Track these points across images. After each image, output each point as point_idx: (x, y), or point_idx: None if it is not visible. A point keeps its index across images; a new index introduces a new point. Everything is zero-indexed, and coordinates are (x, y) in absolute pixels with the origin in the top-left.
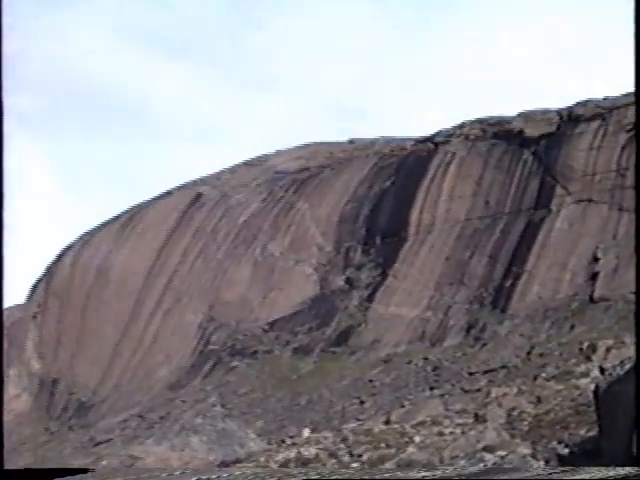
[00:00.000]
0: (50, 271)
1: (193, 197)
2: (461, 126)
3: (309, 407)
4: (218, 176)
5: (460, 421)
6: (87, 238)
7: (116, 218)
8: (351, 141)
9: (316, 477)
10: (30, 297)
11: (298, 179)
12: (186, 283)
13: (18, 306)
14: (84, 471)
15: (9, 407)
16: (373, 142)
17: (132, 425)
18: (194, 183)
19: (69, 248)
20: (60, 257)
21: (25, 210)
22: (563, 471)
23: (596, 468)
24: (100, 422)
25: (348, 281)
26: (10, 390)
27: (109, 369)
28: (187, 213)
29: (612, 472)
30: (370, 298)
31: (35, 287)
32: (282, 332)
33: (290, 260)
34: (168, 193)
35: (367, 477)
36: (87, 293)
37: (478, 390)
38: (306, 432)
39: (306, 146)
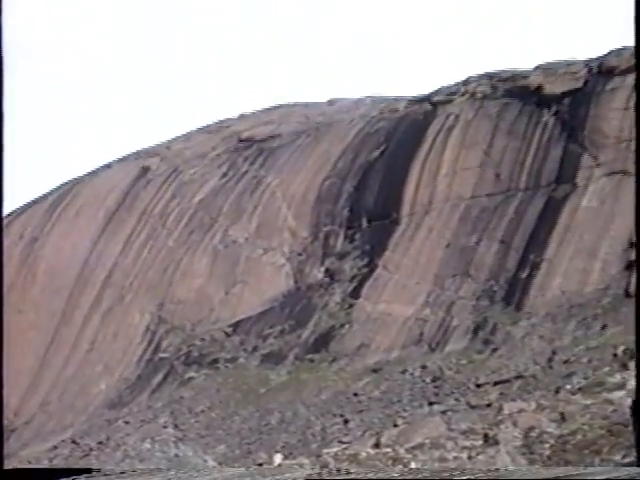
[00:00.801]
0: None
1: (138, 172)
2: (466, 82)
3: (282, 427)
4: (168, 145)
5: (466, 443)
6: (7, 222)
7: (44, 197)
8: (331, 102)
9: None
10: None
11: (266, 148)
12: (130, 277)
13: None
14: (87, 471)
15: None
16: (358, 103)
17: (63, 453)
18: (139, 154)
19: None
20: None
21: None
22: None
23: (600, 469)
24: (23, 450)
25: (328, 273)
26: None
27: (35, 383)
28: (131, 191)
29: (615, 473)
30: (355, 294)
31: None
32: (248, 336)
33: (257, 248)
34: (107, 167)
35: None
36: (7, 290)
37: (488, 405)
38: (278, 458)
39: (276, 108)
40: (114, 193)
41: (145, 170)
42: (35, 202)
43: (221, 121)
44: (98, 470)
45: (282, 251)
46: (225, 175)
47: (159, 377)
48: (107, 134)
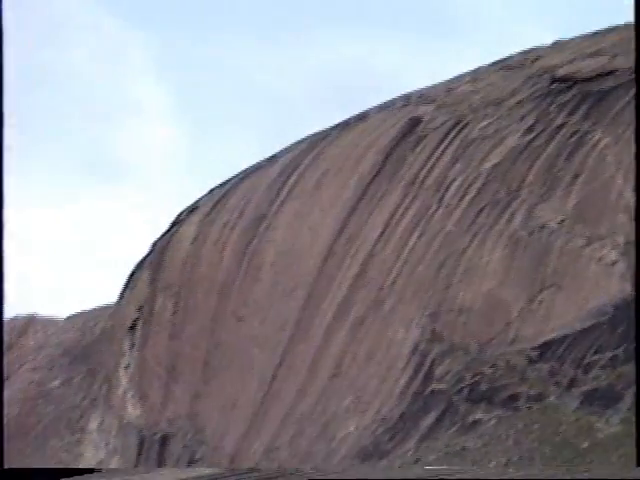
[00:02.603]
0: (159, 250)
1: (405, 125)
2: None
3: None
4: (448, 87)
5: None
6: (220, 195)
7: (272, 160)
8: None
9: None
10: (124, 295)
11: (593, 92)
12: (392, 274)
13: (102, 310)
14: (89, 471)
15: None
16: None
17: None
18: (406, 100)
19: (192, 211)
20: (176, 227)
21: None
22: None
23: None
24: None
25: None
26: (89, 454)
27: (258, 420)
28: (394, 152)
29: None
30: None
31: (132, 278)
32: (562, 364)
33: (577, 236)
34: (361, 118)
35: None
36: (222, 288)
37: None
38: None
39: (607, 32)
40: (370, 155)
41: (415, 122)
42: (260, 167)
43: (525, 52)
44: (99, 470)
45: (614, 241)
46: (530, 130)
47: (432, 417)
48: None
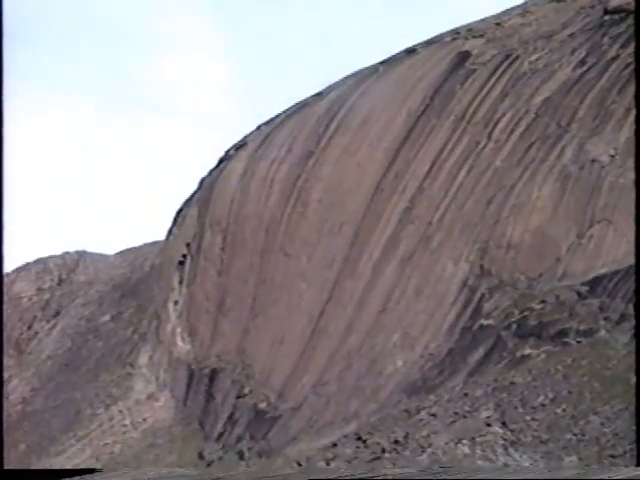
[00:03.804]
0: (207, 187)
1: (454, 58)
2: None
3: None
4: (498, 20)
5: None
6: (269, 131)
7: (319, 96)
8: None
9: None
10: (173, 231)
11: None
12: (440, 209)
13: (152, 246)
14: (90, 471)
15: (140, 415)
16: None
17: (346, 454)
18: (455, 34)
19: (240, 147)
20: (224, 163)
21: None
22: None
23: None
24: (292, 446)
25: None
26: (139, 388)
27: (306, 356)
28: (443, 87)
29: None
30: None
31: (181, 214)
32: (613, 299)
33: (629, 171)
34: (410, 52)
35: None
36: (270, 224)
37: None
38: None
39: None
40: (419, 89)
41: (464, 56)
42: (307, 102)
43: None
44: (100, 470)
45: None
46: (583, 63)
47: (480, 353)
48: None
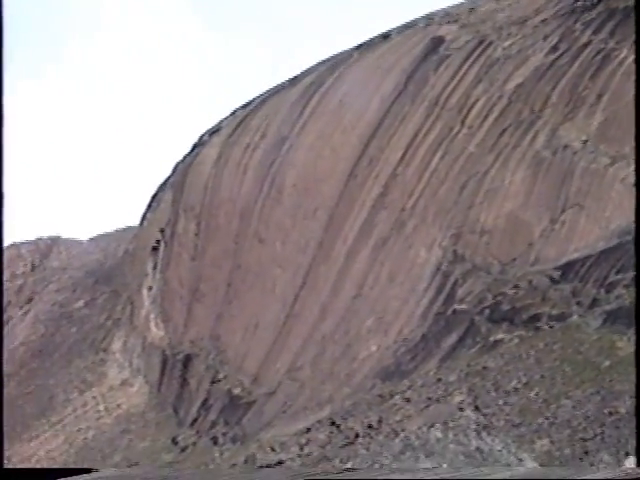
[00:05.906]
0: (181, 172)
1: (427, 44)
2: None
3: (634, 418)
4: (472, 6)
5: None
6: (243, 116)
7: (293, 81)
8: None
9: None
10: (147, 217)
11: (620, 9)
12: (414, 195)
13: (125, 232)
14: (87, 471)
15: (114, 400)
16: None
17: (319, 439)
18: (428, 20)
19: (214, 132)
20: (198, 148)
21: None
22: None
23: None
24: (266, 431)
25: None
26: (113, 373)
27: (280, 340)
28: (416, 72)
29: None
30: None
31: (155, 199)
32: (585, 284)
33: (601, 156)
34: (384, 37)
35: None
36: (244, 210)
37: None
38: (630, 462)
39: None
40: (393, 75)
41: (438, 42)
42: (282, 87)
43: None
44: (97, 470)
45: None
46: (555, 49)
47: (453, 338)
48: None
